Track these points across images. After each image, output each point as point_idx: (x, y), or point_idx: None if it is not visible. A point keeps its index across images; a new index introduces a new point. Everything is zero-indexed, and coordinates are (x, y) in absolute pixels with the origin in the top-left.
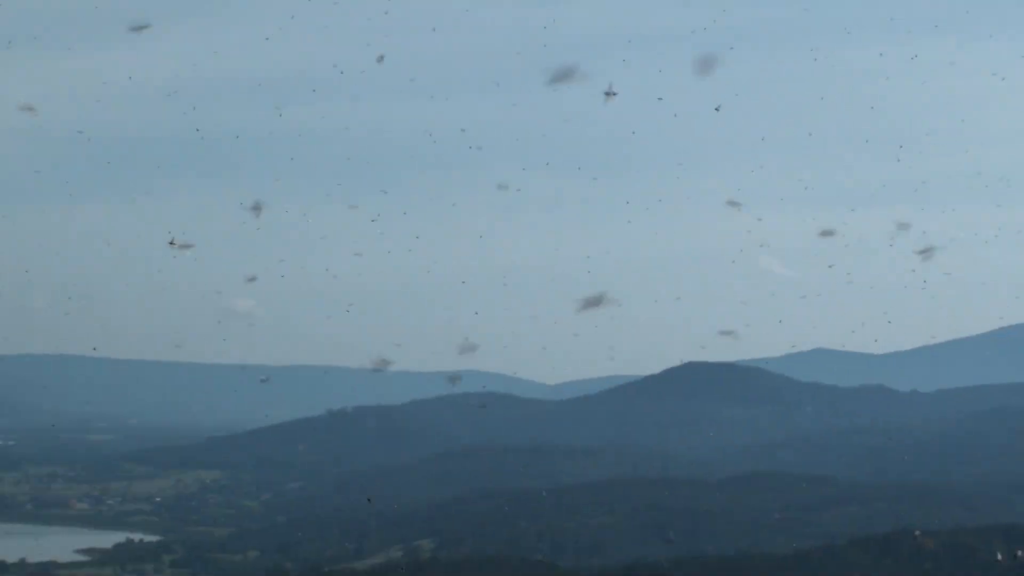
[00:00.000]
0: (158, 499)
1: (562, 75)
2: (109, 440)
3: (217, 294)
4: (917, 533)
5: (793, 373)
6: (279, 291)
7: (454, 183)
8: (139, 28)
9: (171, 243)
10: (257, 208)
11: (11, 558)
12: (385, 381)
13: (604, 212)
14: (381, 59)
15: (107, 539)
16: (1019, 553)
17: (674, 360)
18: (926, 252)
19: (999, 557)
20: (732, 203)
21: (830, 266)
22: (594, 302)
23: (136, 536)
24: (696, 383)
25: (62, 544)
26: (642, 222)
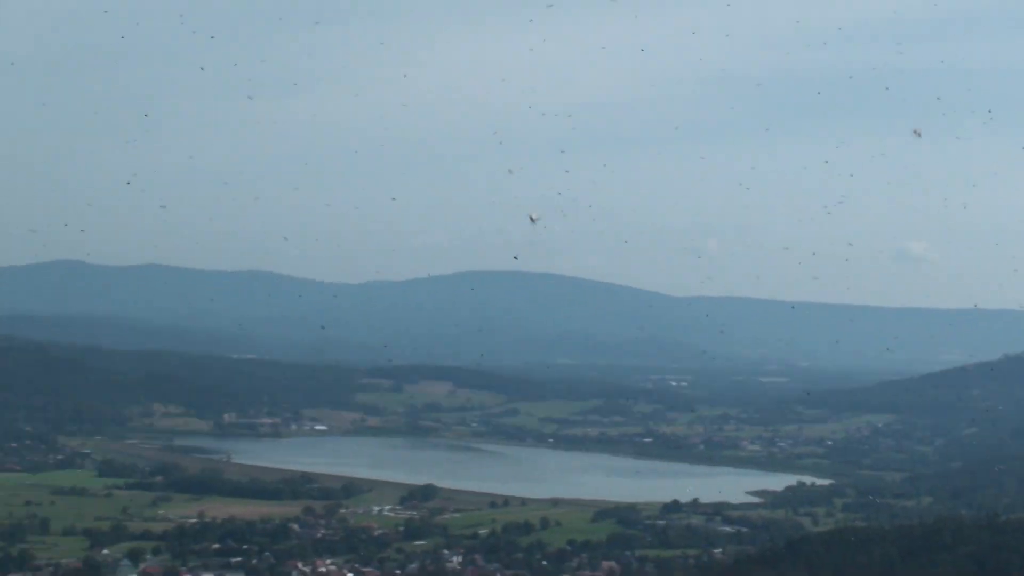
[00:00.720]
0: (829, 442)
1: None
2: (781, 383)
3: (891, 237)
4: None
5: None
6: (952, 233)
7: None
8: None
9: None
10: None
11: (684, 497)
12: None
13: None
14: None
15: (778, 481)
16: None
17: None
18: None
19: None
20: None
21: None
22: None
23: (807, 479)
24: None
25: (733, 485)
26: None
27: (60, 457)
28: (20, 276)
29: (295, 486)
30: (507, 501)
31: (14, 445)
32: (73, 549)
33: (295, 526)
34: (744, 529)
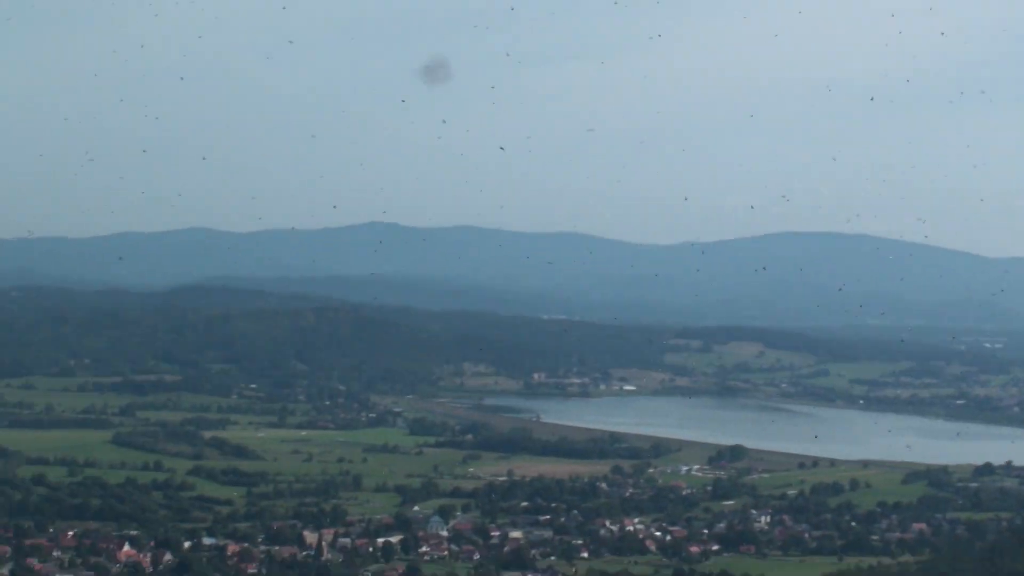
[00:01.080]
0: None
1: None
2: None
3: None
4: None
5: None
6: None
7: None
8: None
9: None
10: None
11: (997, 460)
12: None
13: None
14: None
15: None
16: None
17: None
18: None
19: None
20: None
21: None
22: None
23: None
24: None
25: None
26: None
27: (372, 415)
28: (336, 238)
29: (603, 445)
30: (816, 462)
31: (328, 403)
32: (384, 505)
33: (603, 485)
34: None
